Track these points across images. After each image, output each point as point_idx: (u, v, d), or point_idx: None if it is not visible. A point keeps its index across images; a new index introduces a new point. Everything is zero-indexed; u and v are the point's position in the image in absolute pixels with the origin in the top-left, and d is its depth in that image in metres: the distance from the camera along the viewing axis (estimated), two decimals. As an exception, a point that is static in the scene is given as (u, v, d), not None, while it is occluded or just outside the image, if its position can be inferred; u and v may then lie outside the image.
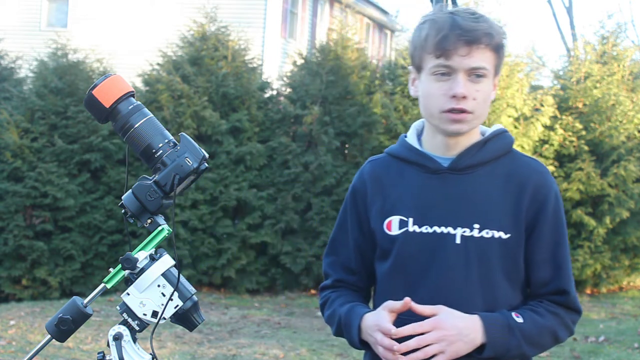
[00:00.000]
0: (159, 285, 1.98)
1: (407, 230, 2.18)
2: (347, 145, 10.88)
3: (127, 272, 1.97)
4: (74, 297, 2.00)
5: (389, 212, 2.21)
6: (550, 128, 10.85)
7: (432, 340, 2.05)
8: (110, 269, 2.00)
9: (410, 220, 2.18)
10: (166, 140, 2.01)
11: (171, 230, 2.00)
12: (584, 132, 10.89)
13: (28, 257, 10.43)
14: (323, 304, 2.34)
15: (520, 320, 2.12)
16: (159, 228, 2.00)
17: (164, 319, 1.98)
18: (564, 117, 10.95)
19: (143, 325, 1.99)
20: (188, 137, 2.01)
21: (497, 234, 2.15)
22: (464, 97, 2.11)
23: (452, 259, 2.15)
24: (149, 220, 2.00)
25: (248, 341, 7.69)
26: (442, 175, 2.19)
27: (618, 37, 11.82)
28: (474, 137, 2.22)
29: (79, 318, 1.96)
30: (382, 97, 10.79)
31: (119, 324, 1.99)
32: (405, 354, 2.05)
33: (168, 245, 2.15)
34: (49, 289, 10.54)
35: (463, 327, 2.07)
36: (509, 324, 2.11)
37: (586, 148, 10.82)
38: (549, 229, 2.18)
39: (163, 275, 1.98)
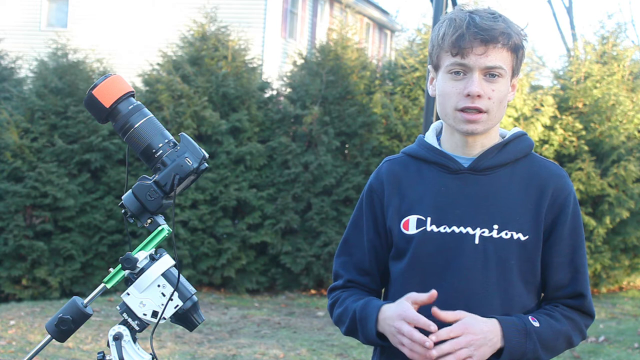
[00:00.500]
0: (159, 285, 1.98)
1: (425, 229, 2.17)
2: (347, 145, 10.87)
3: (127, 272, 1.97)
4: (74, 297, 2.00)
5: (407, 211, 2.20)
6: (550, 128, 10.84)
7: (464, 344, 2.05)
8: (110, 269, 2.00)
9: (429, 219, 2.18)
10: (166, 140, 2.01)
11: (171, 230, 2.00)
12: (584, 132, 10.89)
13: (28, 257, 10.42)
14: (333, 303, 2.30)
15: (537, 324, 2.12)
16: (159, 228, 2.00)
17: (164, 318, 1.98)
18: (564, 117, 10.94)
19: (143, 325, 1.99)
20: (188, 137, 2.01)
21: (516, 235, 2.15)
22: (479, 96, 2.11)
23: (471, 260, 2.14)
24: (149, 220, 2.00)
25: (248, 341, 7.69)
26: (462, 175, 2.19)
27: (618, 37, 11.81)
28: (493, 138, 2.22)
29: (79, 318, 1.97)
30: (382, 97, 10.78)
31: (119, 324, 1.99)
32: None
33: (168, 245, 2.15)
34: (49, 289, 10.53)
35: (488, 331, 2.07)
36: (527, 328, 2.10)
37: (586, 148, 10.82)
38: (567, 232, 2.18)
39: (163, 275, 1.98)
